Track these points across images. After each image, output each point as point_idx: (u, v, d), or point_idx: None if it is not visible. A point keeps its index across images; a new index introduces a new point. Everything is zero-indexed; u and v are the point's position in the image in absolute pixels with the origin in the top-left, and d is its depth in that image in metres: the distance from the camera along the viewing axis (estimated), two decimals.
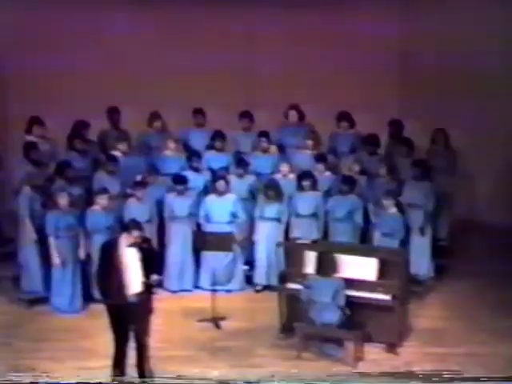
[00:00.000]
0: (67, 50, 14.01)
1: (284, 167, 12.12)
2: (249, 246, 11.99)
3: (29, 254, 11.37)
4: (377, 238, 11.42)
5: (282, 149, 12.82)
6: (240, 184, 12.11)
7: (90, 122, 12.81)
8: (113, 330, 8.84)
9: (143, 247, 8.76)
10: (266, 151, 12.58)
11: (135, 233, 8.73)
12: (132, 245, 8.70)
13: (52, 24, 13.97)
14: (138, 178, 11.90)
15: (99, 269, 8.89)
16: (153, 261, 8.90)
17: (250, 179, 12.26)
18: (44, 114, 12.69)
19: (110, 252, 8.74)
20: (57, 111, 13.11)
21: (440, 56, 13.91)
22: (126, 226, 8.98)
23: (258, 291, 11.86)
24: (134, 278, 8.69)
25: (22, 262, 11.46)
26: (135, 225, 8.83)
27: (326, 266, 9.81)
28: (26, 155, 12.04)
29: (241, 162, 12.25)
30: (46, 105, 13.36)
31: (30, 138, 12.44)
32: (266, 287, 11.77)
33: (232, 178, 12.07)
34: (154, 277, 8.76)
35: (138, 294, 8.71)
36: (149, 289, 8.78)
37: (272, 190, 11.71)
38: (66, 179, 11.61)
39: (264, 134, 12.62)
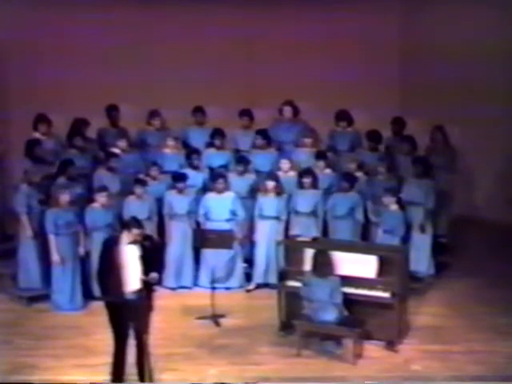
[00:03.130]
0: (67, 50, 14.04)
1: (284, 164, 12.13)
2: (248, 243, 12.00)
3: (26, 251, 11.37)
4: (378, 236, 11.42)
5: (277, 145, 12.80)
6: (240, 182, 12.10)
7: (89, 119, 12.82)
8: (112, 328, 8.83)
9: (145, 245, 8.76)
10: (263, 148, 12.58)
11: (135, 231, 8.71)
12: (133, 242, 8.71)
13: (52, 24, 13.98)
14: (141, 175, 11.93)
15: (99, 266, 8.87)
16: (153, 259, 8.89)
17: (250, 178, 12.25)
18: (44, 112, 12.69)
19: (110, 249, 8.73)
20: (57, 110, 13.08)
21: (440, 56, 13.92)
22: (126, 223, 8.98)
23: (248, 291, 11.87)
24: (132, 276, 8.66)
25: (20, 258, 11.45)
26: (135, 222, 8.82)
27: (322, 267, 9.79)
28: (29, 152, 12.04)
29: (242, 160, 12.24)
30: (46, 103, 13.33)
31: (37, 135, 12.44)
32: (265, 285, 11.78)
33: (232, 177, 12.07)
34: (153, 275, 8.75)
35: (137, 292, 8.69)
36: (148, 286, 8.77)
37: (272, 180, 11.67)
38: (68, 177, 11.63)
39: (261, 132, 12.60)
